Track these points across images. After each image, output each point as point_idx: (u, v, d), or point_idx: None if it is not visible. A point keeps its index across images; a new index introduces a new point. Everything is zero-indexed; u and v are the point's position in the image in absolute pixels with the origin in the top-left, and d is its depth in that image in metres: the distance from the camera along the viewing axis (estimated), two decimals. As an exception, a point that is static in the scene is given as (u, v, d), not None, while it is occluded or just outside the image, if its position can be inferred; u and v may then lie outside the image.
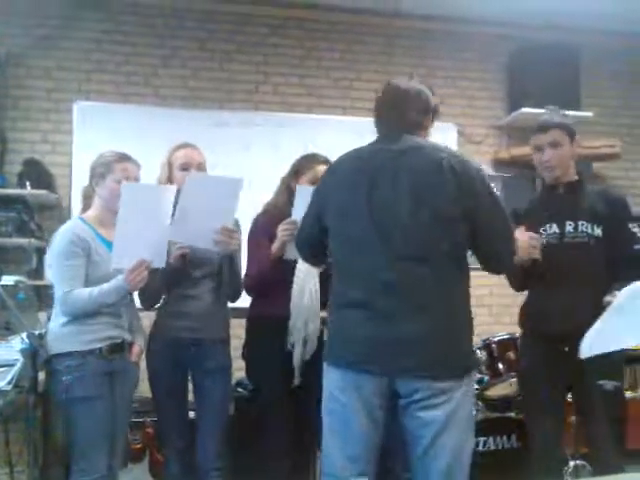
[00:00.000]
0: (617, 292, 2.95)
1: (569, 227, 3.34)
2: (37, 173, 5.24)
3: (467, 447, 2.65)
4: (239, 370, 3.99)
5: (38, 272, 5.16)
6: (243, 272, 3.72)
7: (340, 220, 2.72)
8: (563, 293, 3.27)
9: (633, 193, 6.50)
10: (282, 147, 5.57)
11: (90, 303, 3.24)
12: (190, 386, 3.67)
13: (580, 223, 3.34)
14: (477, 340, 4.35)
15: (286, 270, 3.55)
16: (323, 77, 6.05)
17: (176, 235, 3.31)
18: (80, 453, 3.29)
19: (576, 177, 3.45)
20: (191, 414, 3.71)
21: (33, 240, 5.08)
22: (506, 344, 4.26)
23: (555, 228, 3.36)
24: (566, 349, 3.16)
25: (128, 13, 5.75)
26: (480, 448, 3.97)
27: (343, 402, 2.63)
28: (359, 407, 2.60)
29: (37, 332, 3.43)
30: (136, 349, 3.51)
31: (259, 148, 5.70)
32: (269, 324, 3.63)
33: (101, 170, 3.41)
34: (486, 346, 4.27)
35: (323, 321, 3.47)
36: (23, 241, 5.06)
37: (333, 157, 3.02)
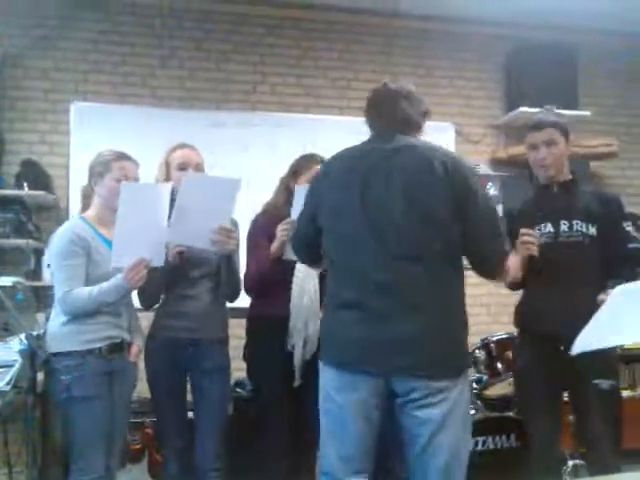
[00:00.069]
0: (610, 290, 2.98)
1: (564, 226, 3.35)
2: (35, 174, 5.24)
3: (464, 445, 2.67)
4: (238, 370, 3.99)
5: (36, 273, 5.16)
6: (242, 272, 3.72)
7: (334, 220, 2.72)
8: (558, 292, 3.27)
9: (630, 192, 6.53)
10: (280, 147, 5.57)
11: (90, 302, 3.23)
12: (189, 386, 3.67)
13: (575, 222, 3.34)
14: (476, 340, 4.37)
15: (285, 270, 3.55)
16: (321, 77, 6.05)
17: (174, 236, 3.31)
18: (78, 452, 3.29)
19: (570, 176, 3.46)
20: (190, 414, 3.71)
21: (31, 241, 5.08)
22: (505, 344, 4.26)
23: (550, 227, 3.36)
24: (561, 348, 3.17)
25: (125, 14, 5.76)
26: (479, 447, 3.97)
27: (339, 403, 2.64)
28: (355, 407, 2.61)
29: (35, 333, 3.43)
30: (135, 349, 3.51)
31: (257, 148, 5.71)
32: (269, 324, 3.63)
33: (99, 169, 3.41)
34: (485, 346, 4.28)
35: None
36: (21, 242, 5.06)
37: (331, 157, 3.01)
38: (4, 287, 3.93)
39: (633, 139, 6.64)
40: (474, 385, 4.28)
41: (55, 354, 3.27)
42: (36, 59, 5.56)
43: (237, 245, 3.55)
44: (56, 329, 3.32)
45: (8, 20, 5.49)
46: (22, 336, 3.36)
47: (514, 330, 3.73)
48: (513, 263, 3.21)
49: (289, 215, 3.42)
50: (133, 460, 4.37)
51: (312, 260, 3.07)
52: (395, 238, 2.57)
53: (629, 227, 3.46)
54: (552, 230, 3.36)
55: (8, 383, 3.44)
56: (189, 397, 3.67)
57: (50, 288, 4.24)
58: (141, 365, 3.59)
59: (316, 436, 2.83)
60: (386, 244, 2.58)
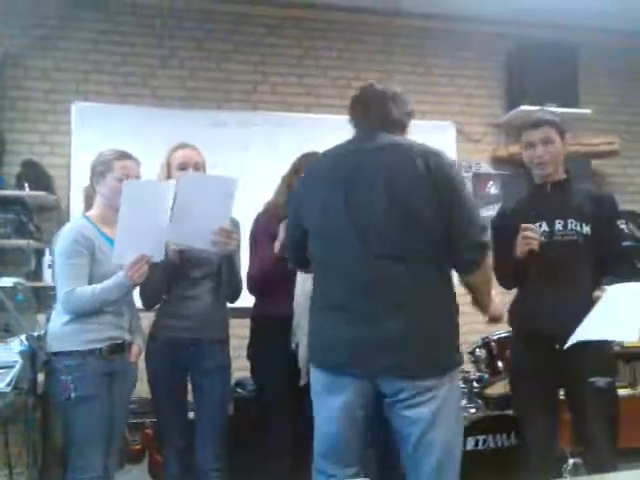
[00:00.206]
0: (605, 287, 3.02)
1: (558, 225, 3.35)
2: (35, 174, 5.24)
3: (456, 442, 2.67)
4: (239, 370, 3.99)
5: (37, 274, 5.16)
6: (244, 272, 3.72)
7: (318, 221, 2.73)
8: (552, 291, 3.27)
9: (631, 190, 6.54)
10: (281, 147, 5.57)
11: (93, 301, 3.24)
12: (189, 386, 3.67)
13: (569, 221, 3.34)
14: (476, 338, 4.36)
15: (288, 269, 3.55)
16: (321, 77, 6.05)
17: (173, 237, 3.31)
18: (77, 452, 3.29)
19: (564, 176, 3.46)
20: (190, 414, 3.71)
21: (32, 241, 5.08)
22: (505, 342, 4.24)
23: (544, 227, 3.36)
24: (557, 347, 3.17)
25: (126, 13, 5.76)
26: (480, 446, 3.96)
27: (326, 403, 2.68)
28: (340, 408, 2.63)
29: (36, 334, 3.43)
30: (135, 349, 3.51)
31: (258, 148, 5.71)
32: (272, 324, 3.64)
33: (101, 169, 3.42)
34: (485, 344, 4.27)
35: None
36: (22, 242, 5.05)
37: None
38: (5, 288, 3.94)
39: (634, 137, 6.64)
40: (474, 384, 4.28)
41: (56, 353, 3.27)
42: (37, 59, 5.56)
43: (238, 245, 3.54)
44: (57, 328, 3.32)
45: (8, 20, 5.49)
46: (22, 337, 3.36)
47: (513, 329, 3.73)
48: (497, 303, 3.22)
49: (291, 214, 3.42)
50: (133, 460, 4.37)
51: (300, 263, 3.04)
52: (378, 237, 2.57)
53: (623, 225, 3.48)
54: (547, 229, 3.35)
55: (9, 384, 3.44)
56: (190, 397, 3.68)
57: (51, 289, 4.25)
58: (141, 365, 3.59)
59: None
60: (369, 244, 2.58)
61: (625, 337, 2.92)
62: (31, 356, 3.30)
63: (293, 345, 3.60)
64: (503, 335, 4.19)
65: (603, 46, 6.38)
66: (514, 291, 3.62)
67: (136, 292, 3.50)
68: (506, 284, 3.61)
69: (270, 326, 3.67)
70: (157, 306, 3.66)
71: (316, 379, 2.74)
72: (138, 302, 3.61)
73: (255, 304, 3.83)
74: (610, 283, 3.07)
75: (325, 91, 6.02)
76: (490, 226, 3.72)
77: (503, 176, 6.16)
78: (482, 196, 6.09)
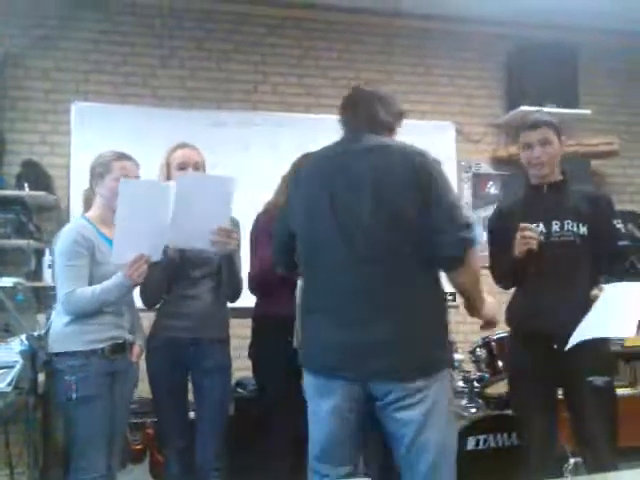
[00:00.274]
0: (603, 285, 3.06)
1: (555, 226, 3.35)
2: (35, 174, 5.24)
3: (450, 442, 2.67)
4: (239, 370, 3.99)
5: (37, 273, 5.16)
6: (244, 271, 3.72)
7: (305, 223, 2.73)
8: (550, 291, 3.27)
9: (630, 191, 6.55)
10: (281, 147, 5.56)
11: (93, 301, 3.24)
12: (190, 386, 3.67)
13: (566, 222, 3.35)
14: (477, 338, 4.37)
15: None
16: (321, 77, 6.05)
17: (174, 239, 3.31)
18: (79, 452, 3.29)
19: (561, 177, 3.47)
20: (191, 414, 3.72)
21: (32, 241, 5.08)
22: (505, 342, 4.25)
23: (541, 227, 3.36)
24: (555, 347, 3.18)
25: (126, 13, 5.76)
26: (480, 446, 3.96)
27: (317, 406, 2.69)
28: (331, 411, 2.64)
29: (36, 334, 3.43)
30: (136, 349, 3.52)
31: (258, 148, 5.70)
32: (274, 324, 3.64)
33: (100, 170, 3.43)
34: (486, 344, 4.26)
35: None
36: (22, 242, 5.05)
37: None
38: (5, 288, 3.93)
39: (633, 138, 6.64)
40: (475, 383, 4.27)
41: (58, 354, 3.27)
42: (37, 59, 5.56)
43: (238, 245, 3.54)
44: (58, 329, 3.32)
45: (9, 20, 5.49)
46: (23, 337, 3.36)
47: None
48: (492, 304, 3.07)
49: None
50: (134, 460, 4.37)
51: (288, 266, 3.01)
52: (364, 240, 2.57)
53: (619, 224, 3.48)
54: (544, 230, 3.36)
55: (9, 384, 3.44)
56: (190, 397, 3.68)
57: (51, 289, 4.25)
58: (142, 365, 3.59)
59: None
60: (355, 247, 2.58)
61: (623, 333, 2.95)
62: (31, 356, 3.30)
63: (295, 345, 3.61)
64: (503, 335, 4.18)
65: (603, 46, 6.38)
66: (511, 291, 3.62)
67: (136, 292, 3.51)
68: (504, 284, 3.61)
69: (272, 326, 3.67)
70: (157, 306, 3.66)
71: (308, 382, 2.75)
72: (138, 301, 3.61)
73: (257, 304, 3.84)
74: (607, 282, 3.09)
75: (325, 91, 6.01)
76: (487, 226, 3.72)
77: (503, 176, 6.16)
78: (482, 196, 6.10)
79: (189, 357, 3.55)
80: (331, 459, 2.70)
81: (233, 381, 4.02)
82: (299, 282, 3.59)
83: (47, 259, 5.07)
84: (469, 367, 4.37)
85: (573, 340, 2.95)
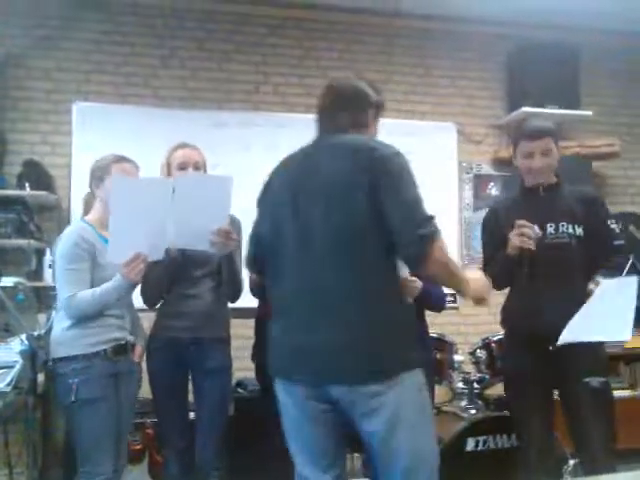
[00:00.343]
0: (599, 279, 3.09)
1: (550, 229, 3.35)
2: (36, 174, 5.24)
3: (426, 447, 2.54)
4: (240, 370, 3.99)
5: (37, 273, 5.16)
6: (245, 272, 3.72)
7: (272, 227, 2.68)
8: (546, 293, 3.27)
9: (632, 192, 6.55)
10: (282, 147, 5.46)
11: (94, 304, 3.24)
12: (190, 386, 3.67)
13: (561, 224, 3.36)
14: (477, 339, 4.37)
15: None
16: (322, 77, 6.01)
17: (174, 241, 3.30)
18: (86, 455, 3.29)
19: (555, 179, 3.47)
20: (191, 415, 3.72)
21: (32, 241, 5.07)
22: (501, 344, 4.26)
23: (536, 230, 3.35)
24: (550, 348, 3.19)
25: (127, 14, 5.76)
26: (480, 447, 3.96)
27: (289, 410, 2.65)
28: (302, 414, 2.60)
29: (36, 333, 3.44)
30: (138, 350, 3.52)
31: (259, 148, 5.69)
32: None
33: (99, 173, 3.43)
34: (485, 345, 4.27)
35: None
36: (22, 242, 5.04)
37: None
38: (5, 287, 3.93)
39: (635, 139, 6.65)
40: (475, 385, 4.28)
41: (60, 358, 3.27)
42: (38, 59, 5.56)
43: (239, 245, 3.53)
44: (59, 334, 3.32)
45: (10, 20, 5.49)
46: (23, 337, 3.37)
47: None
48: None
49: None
50: (133, 461, 4.36)
51: (257, 269, 2.94)
52: (319, 244, 2.50)
53: (613, 224, 3.49)
54: (539, 232, 3.35)
55: (9, 384, 3.44)
56: (190, 397, 3.68)
57: (51, 289, 4.24)
58: (143, 365, 3.60)
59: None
60: (310, 251, 2.52)
61: (620, 337, 2.95)
62: (31, 356, 3.31)
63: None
64: (503, 336, 4.19)
65: (604, 47, 6.38)
66: (505, 292, 3.61)
67: (136, 292, 3.51)
68: (497, 284, 3.59)
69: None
70: (157, 306, 3.66)
71: (277, 387, 2.71)
72: (138, 301, 3.61)
73: (259, 305, 3.84)
74: (604, 276, 3.09)
75: (326, 92, 6.00)
76: (481, 226, 3.71)
77: (504, 177, 6.15)
78: (483, 197, 6.09)
79: (190, 357, 3.55)
80: (311, 461, 2.64)
81: (233, 381, 4.02)
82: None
83: (48, 259, 5.08)
84: (469, 368, 4.37)
85: (565, 337, 2.97)
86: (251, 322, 3.92)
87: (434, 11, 6.05)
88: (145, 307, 3.67)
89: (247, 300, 3.77)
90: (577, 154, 5.97)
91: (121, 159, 3.46)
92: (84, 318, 3.27)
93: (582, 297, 3.08)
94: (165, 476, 3.67)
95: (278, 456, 3.61)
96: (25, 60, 5.54)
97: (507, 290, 3.59)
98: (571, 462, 3.73)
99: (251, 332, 3.93)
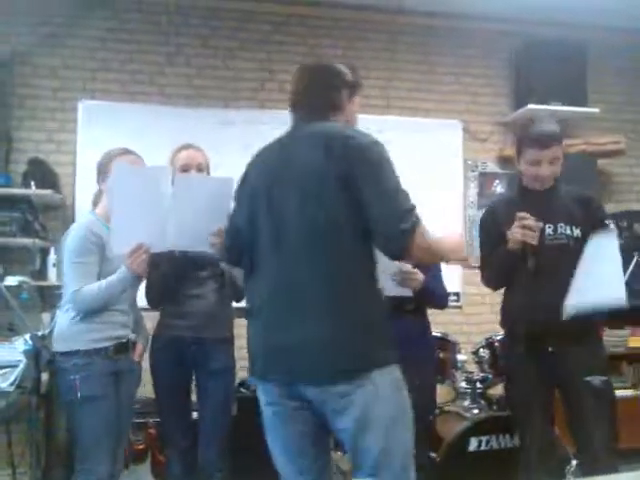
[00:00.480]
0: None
1: (548, 230, 3.34)
2: (42, 172, 5.25)
3: (398, 448, 2.47)
4: (243, 370, 3.99)
5: (42, 273, 5.17)
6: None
7: (248, 220, 2.63)
8: (545, 294, 3.24)
9: (637, 189, 6.54)
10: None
11: (99, 297, 3.25)
12: (193, 386, 3.69)
13: (559, 225, 3.35)
14: (480, 339, 4.38)
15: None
16: (327, 74, 6.03)
17: (175, 242, 3.28)
18: (85, 453, 3.30)
19: (553, 181, 3.44)
20: (194, 414, 3.73)
21: (37, 240, 5.08)
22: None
23: (539, 223, 3.34)
24: (550, 349, 3.18)
25: (133, 11, 5.77)
26: (483, 447, 3.97)
27: (266, 410, 2.61)
28: (279, 414, 2.56)
29: (40, 333, 3.45)
30: (139, 348, 3.54)
31: (265, 146, 5.68)
32: None
33: (105, 167, 3.43)
34: (489, 345, 4.27)
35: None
36: (27, 241, 5.05)
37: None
38: (10, 286, 3.95)
39: (640, 137, 6.62)
40: (478, 384, 4.28)
41: (62, 353, 3.29)
42: (44, 57, 5.57)
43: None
44: (64, 328, 3.33)
45: (16, 19, 5.50)
46: (27, 336, 3.38)
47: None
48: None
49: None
50: (136, 460, 4.37)
51: (232, 260, 2.92)
52: (293, 238, 2.46)
53: (611, 225, 3.48)
54: (541, 225, 3.34)
55: (12, 383, 3.47)
56: (193, 397, 3.69)
57: (56, 288, 4.26)
58: (145, 365, 3.61)
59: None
60: (284, 245, 2.47)
61: (615, 298, 3.00)
62: (35, 355, 3.32)
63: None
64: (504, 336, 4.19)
65: (610, 44, 6.35)
66: (501, 292, 3.62)
67: (141, 292, 3.53)
68: (494, 283, 3.59)
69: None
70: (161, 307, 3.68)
71: (257, 387, 2.67)
72: (142, 302, 3.63)
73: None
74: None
75: (331, 89, 5.99)
76: (479, 225, 3.70)
77: (509, 175, 6.13)
78: (488, 195, 6.07)
79: (192, 357, 3.56)
80: (290, 462, 2.61)
81: (237, 381, 4.03)
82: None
83: (52, 258, 5.11)
84: (472, 368, 4.38)
85: (569, 310, 3.05)
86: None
87: (438, 8, 6.04)
88: (149, 307, 3.69)
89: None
90: (583, 151, 5.96)
91: (127, 152, 3.48)
92: (90, 312, 3.28)
93: None
94: (168, 476, 3.69)
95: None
96: (31, 58, 5.55)
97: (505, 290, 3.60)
98: (573, 462, 3.74)
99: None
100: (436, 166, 5.95)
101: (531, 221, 3.23)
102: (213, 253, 3.34)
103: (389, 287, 3.36)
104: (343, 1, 5.97)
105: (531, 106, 5.96)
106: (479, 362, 4.33)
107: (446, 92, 6.23)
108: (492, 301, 5.58)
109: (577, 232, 3.34)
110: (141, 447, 4.39)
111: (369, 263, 2.51)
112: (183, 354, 3.55)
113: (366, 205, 2.37)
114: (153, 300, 3.64)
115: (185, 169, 3.57)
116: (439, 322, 4.18)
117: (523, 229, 3.23)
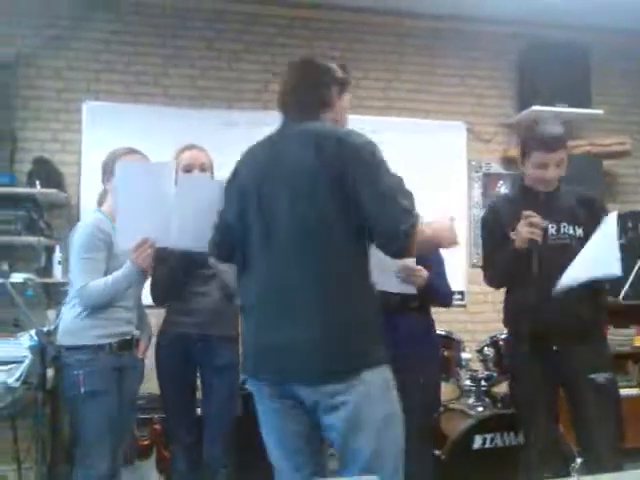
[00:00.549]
0: None
1: (551, 229, 3.33)
2: (47, 172, 5.26)
3: (389, 449, 2.46)
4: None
5: (47, 270, 5.18)
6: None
7: (238, 218, 2.61)
8: (547, 293, 3.21)
9: (642, 191, 6.52)
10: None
11: (105, 293, 3.26)
12: (198, 383, 3.69)
13: (562, 225, 3.35)
14: (484, 337, 4.38)
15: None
16: (331, 77, 6.04)
17: (176, 242, 3.27)
18: (86, 448, 3.32)
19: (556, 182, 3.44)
20: (199, 411, 3.73)
21: (42, 238, 5.09)
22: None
23: (545, 222, 3.33)
24: (554, 348, 3.18)
25: (137, 13, 5.78)
26: (487, 444, 3.97)
27: (261, 407, 2.60)
28: (270, 412, 2.56)
29: (45, 329, 3.46)
30: (142, 345, 3.54)
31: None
32: None
33: (109, 167, 3.44)
34: (493, 343, 4.27)
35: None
36: (32, 239, 5.06)
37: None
38: (15, 283, 3.95)
39: (645, 138, 6.61)
40: (482, 382, 4.28)
41: (67, 348, 3.30)
42: (49, 59, 5.59)
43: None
44: (69, 323, 3.35)
45: (21, 20, 5.52)
46: (32, 332, 3.39)
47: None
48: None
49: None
50: (141, 456, 4.37)
51: (220, 256, 2.88)
52: (283, 236, 2.44)
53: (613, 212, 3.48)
54: (546, 223, 3.33)
55: (18, 379, 3.47)
56: (198, 394, 3.69)
57: (61, 285, 4.27)
58: (149, 362, 3.61)
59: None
60: (275, 244, 2.46)
61: (609, 271, 3.02)
62: (40, 351, 3.34)
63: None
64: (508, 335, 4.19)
65: (615, 46, 6.36)
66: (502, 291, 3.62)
67: (146, 290, 3.53)
68: (497, 282, 3.59)
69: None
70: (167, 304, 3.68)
71: (250, 385, 2.66)
72: (147, 300, 3.63)
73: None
74: None
75: (335, 90, 6.00)
76: (481, 223, 3.69)
77: (513, 176, 6.12)
78: (492, 196, 6.06)
79: (198, 354, 3.57)
80: (285, 458, 2.59)
81: (241, 379, 4.03)
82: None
83: (57, 256, 5.13)
84: (476, 366, 4.38)
85: (563, 282, 3.07)
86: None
87: (444, 10, 6.04)
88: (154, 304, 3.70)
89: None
90: (588, 153, 5.96)
91: (132, 151, 3.50)
92: (96, 308, 3.29)
93: (582, 298, 3.10)
94: (173, 472, 3.70)
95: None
96: (36, 59, 5.56)
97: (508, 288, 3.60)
98: (578, 460, 3.73)
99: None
100: (440, 167, 5.96)
101: (537, 219, 3.22)
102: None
103: (393, 284, 3.37)
104: (348, 4, 5.98)
105: (536, 107, 5.96)
106: (484, 360, 4.33)
107: (452, 94, 6.24)
108: (495, 300, 5.59)
109: (580, 232, 3.33)
110: (146, 443, 4.38)
111: (361, 262, 2.50)
112: (189, 351, 3.55)
113: (364, 206, 2.36)
114: (158, 297, 3.64)
115: (188, 169, 3.58)
116: (443, 320, 4.18)
117: (530, 227, 3.21)
